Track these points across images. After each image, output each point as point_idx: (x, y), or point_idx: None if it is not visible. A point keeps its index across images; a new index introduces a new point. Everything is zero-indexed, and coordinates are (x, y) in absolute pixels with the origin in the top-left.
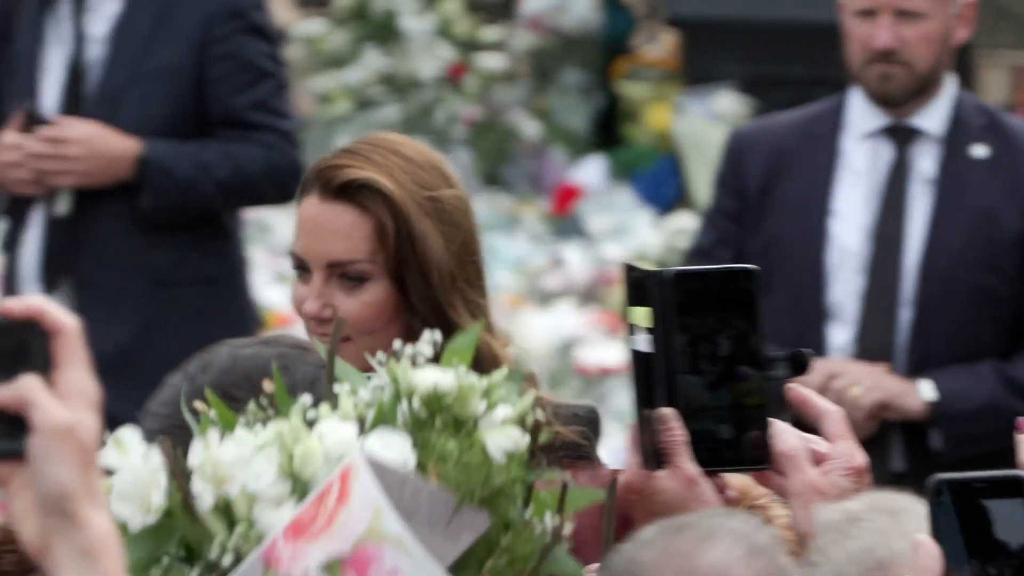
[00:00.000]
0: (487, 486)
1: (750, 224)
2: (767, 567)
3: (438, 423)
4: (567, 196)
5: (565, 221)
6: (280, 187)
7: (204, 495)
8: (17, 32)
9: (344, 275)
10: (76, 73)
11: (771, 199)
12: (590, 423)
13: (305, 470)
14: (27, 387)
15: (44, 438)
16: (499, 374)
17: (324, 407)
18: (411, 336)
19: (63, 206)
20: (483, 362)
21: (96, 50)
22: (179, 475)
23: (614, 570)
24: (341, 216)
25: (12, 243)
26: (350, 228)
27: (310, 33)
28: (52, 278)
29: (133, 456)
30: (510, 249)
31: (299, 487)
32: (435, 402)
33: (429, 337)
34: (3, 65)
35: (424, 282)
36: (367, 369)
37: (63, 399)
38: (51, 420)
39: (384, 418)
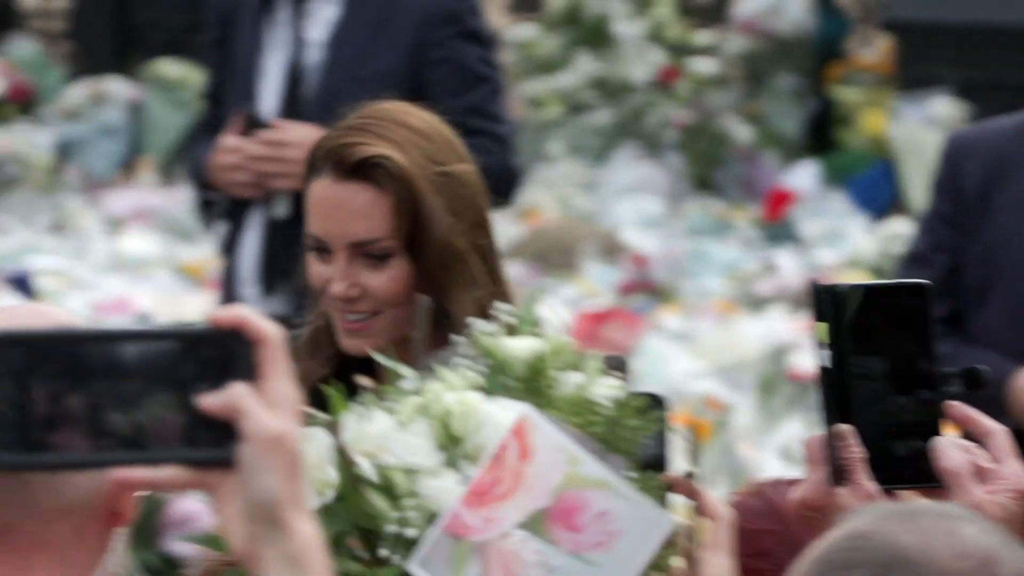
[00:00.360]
0: (613, 432)
1: (968, 229)
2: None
3: (545, 385)
4: (779, 201)
5: (777, 226)
6: (496, 191)
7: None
8: (236, 37)
9: (368, 253)
10: (295, 77)
11: (990, 204)
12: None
13: (469, 431)
14: (237, 395)
15: (255, 446)
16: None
17: (438, 381)
18: (432, 312)
19: (281, 209)
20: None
21: (314, 55)
22: (347, 455)
23: (878, 561)
24: (359, 195)
25: (231, 246)
26: (370, 207)
27: (522, 38)
28: (269, 280)
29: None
30: (722, 254)
31: (452, 456)
32: (539, 366)
33: (506, 309)
34: (223, 70)
35: (434, 258)
36: (394, 340)
37: (270, 408)
38: (262, 429)
39: (492, 388)
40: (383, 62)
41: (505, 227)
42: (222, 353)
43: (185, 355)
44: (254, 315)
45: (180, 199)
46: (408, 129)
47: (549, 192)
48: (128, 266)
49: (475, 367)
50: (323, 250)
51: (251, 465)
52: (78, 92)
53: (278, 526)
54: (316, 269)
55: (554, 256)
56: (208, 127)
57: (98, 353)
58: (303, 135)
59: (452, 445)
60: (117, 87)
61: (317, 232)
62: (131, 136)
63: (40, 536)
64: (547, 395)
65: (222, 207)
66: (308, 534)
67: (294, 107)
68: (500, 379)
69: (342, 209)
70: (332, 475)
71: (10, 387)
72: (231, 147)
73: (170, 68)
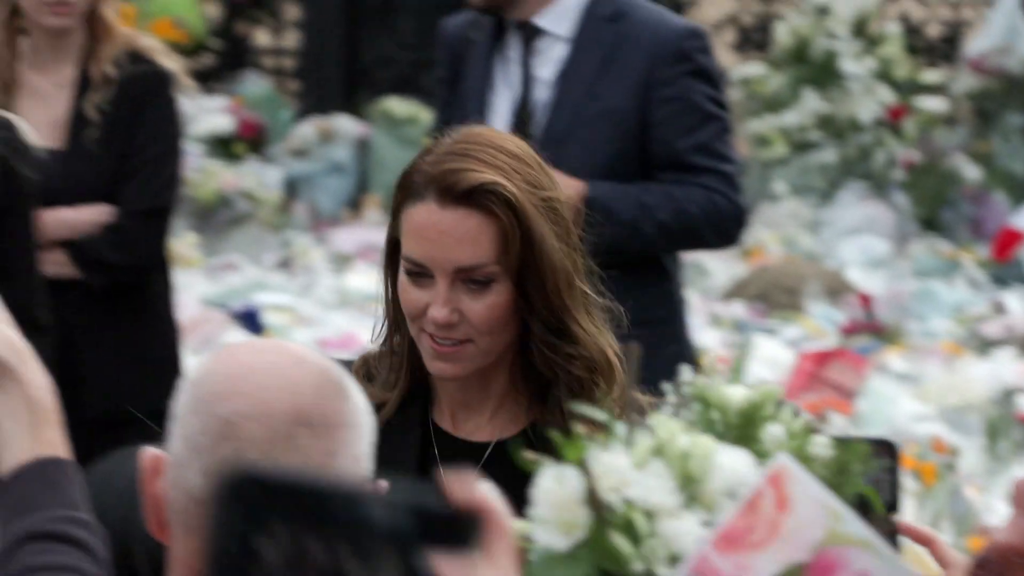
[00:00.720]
0: (838, 477)
1: None
2: None
3: (756, 432)
4: (1009, 241)
5: (1006, 267)
6: (722, 230)
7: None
8: (466, 75)
9: (470, 279)
10: (523, 115)
11: None
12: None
13: (704, 474)
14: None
15: None
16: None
17: (663, 424)
18: (526, 336)
19: None
20: (600, 367)
21: (543, 93)
22: (597, 495)
23: None
24: (466, 221)
25: None
26: (476, 233)
27: (749, 76)
28: None
29: (545, 481)
30: (949, 295)
31: (692, 495)
32: (752, 414)
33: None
34: (451, 108)
35: (543, 284)
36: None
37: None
38: None
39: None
40: (610, 100)
41: (729, 266)
42: (456, 527)
43: (422, 526)
44: (489, 495)
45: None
46: (507, 154)
47: (774, 231)
48: (353, 303)
49: (683, 412)
50: (421, 275)
51: None
52: (307, 130)
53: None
54: (411, 294)
55: (778, 296)
56: None
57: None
58: None
59: (689, 487)
60: (345, 125)
61: (419, 257)
62: (358, 173)
63: None
64: (759, 442)
65: None
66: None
67: None
68: (712, 425)
69: (449, 235)
70: (583, 516)
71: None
72: None
73: (398, 106)
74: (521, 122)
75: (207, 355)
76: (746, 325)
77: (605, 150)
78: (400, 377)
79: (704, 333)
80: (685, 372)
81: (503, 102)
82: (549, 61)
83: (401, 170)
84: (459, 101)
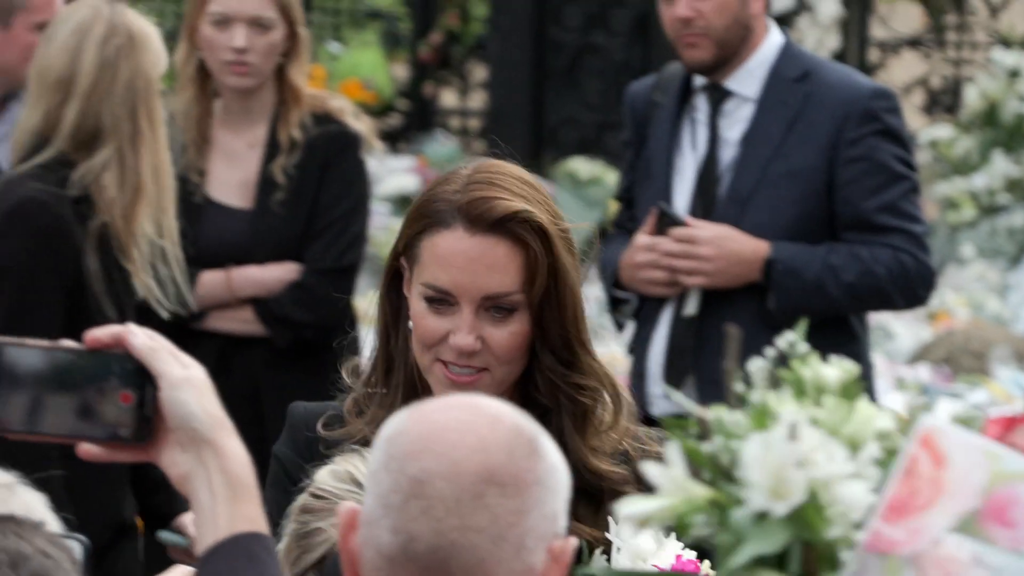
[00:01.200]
0: None
1: None
2: None
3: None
4: None
5: None
6: (909, 291)
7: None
8: (651, 137)
9: (496, 307)
10: (709, 175)
11: None
12: None
13: (864, 441)
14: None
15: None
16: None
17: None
18: (538, 367)
19: (692, 307)
20: (609, 396)
21: (729, 152)
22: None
23: None
24: (495, 249)
25: (640, 344)
26: (506, 261)
27: (937, 138)
28: (675, 376)
29: (753, 447)
30: None
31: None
32: (847, 392)
33: (793, 337)
34: (637, 170)
35: (562, 314)
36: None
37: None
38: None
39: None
40: (797, 160)
41: (915, 329)
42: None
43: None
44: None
45: (587, 296)
46: (529, 185)
47: (960, 295)
48: None
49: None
50: (443, 302)
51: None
52: None
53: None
54: (429, 322)
55: (964, 360)
56: (621, 227)
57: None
58: (715, 233)
59: (854, 453)
60: None
61: (444, 284)
62: None
63: None
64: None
65: (633, 306)
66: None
67: (707, 205)
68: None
69: (478, 263)
70: (798, 481)
71: None
72: (644, 245)
73: (582, 166)
74: (706, 183)
75: (402, 413)
76: (932, 389)
77: (790, 210)
78: (392, 412)
79: (889, 396)
80: (770, 351)
81: (688, 163)
82: (736, 122)
83: (584, 230)
84: (644, 162)
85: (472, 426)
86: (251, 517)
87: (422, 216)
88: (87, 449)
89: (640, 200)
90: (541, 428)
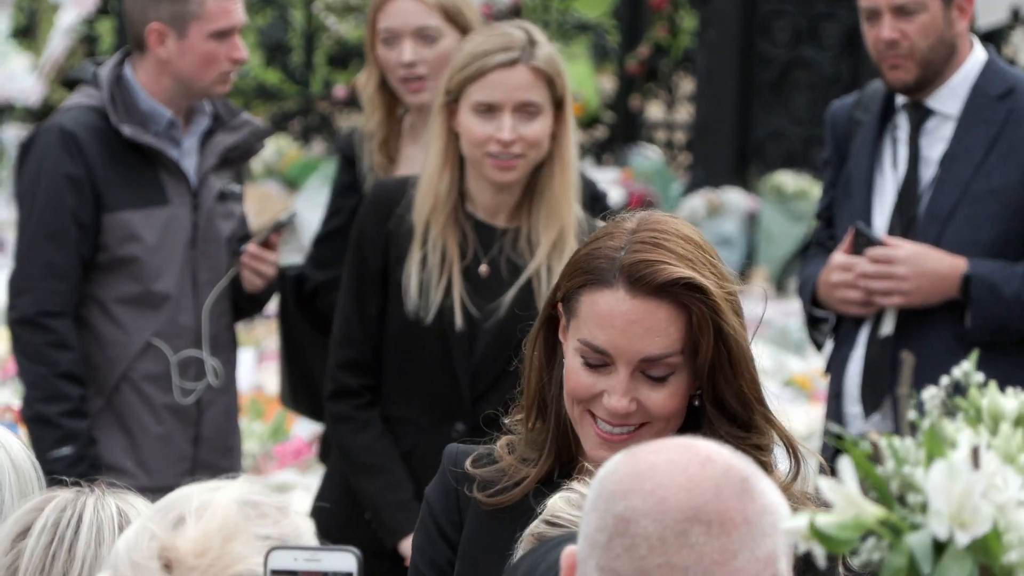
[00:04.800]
0: None
1: None
2: None
3: None
4: None
5: None
6: None
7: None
8: (852, 155)
9: (652, 370)
10: (909, 194)
11: None
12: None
13: None
14: None
15: None
16: None
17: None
18: (711, 431)
19: (888, 326)
20: (785, 446)
21: (929, 171)
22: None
23: None
24: (657, 313)
25: (837, 363)
26: (667, 325)
27: None
28: (872, 396)
29: (938, 474)
30: None
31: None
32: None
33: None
34: (836, 188)
35: (736, 377)
36: None
37: None
38: None
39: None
40: (998, 178)
41: None
42: None
43: None
44: None
45: (792, 311)
46: (695, 246)
47: None
48: None
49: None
50: (600, 362)
51: None
52: (696, 202)
53: None
54: (583, 378)
55: None
56: (821, 245)
57: None
58: (913, 253)
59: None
60: (735, 198)
61: (602, 344)
62: (746, 247)
63: None
64: None
65: (830, 325)
66: None
67: (906, 224)
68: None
69: (639, 325)
70: (983, 511)
71: None
72: (841, 264)
73: (788, 180)
74: (906, 201)
75: (617, 455)
76: None
77: (990, 228)
78: (543, 456)
79: None
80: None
81: (888, 182)
82: (937, 140)
83: (788, 244)
84: (844, 181)
85: (682, 466)
86: None
87: (583, 271)
88: None
89: (839, 218)
90: (760, 471)
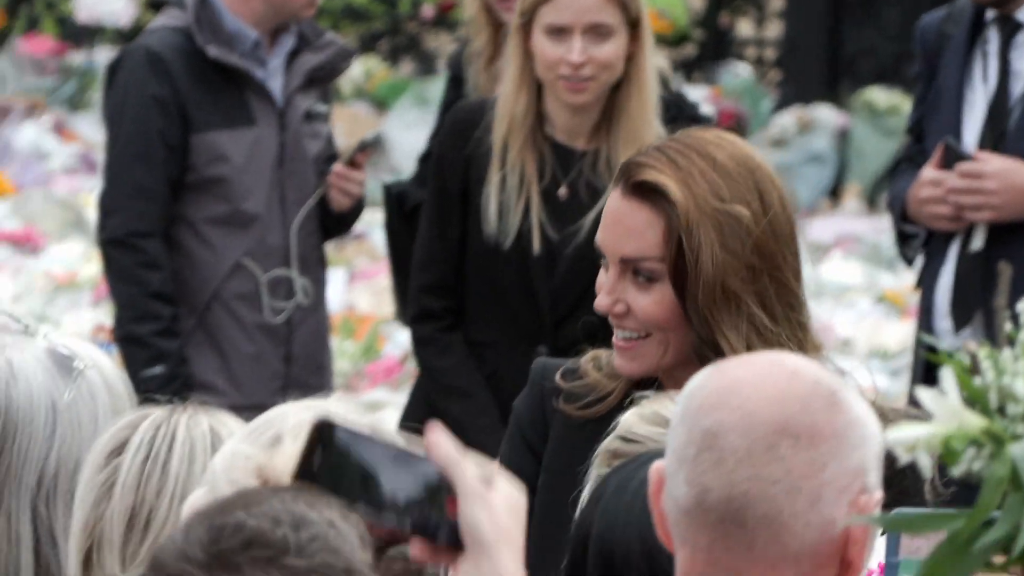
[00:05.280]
0: None
1: None
2: None
3: None
4: None
5: None
6: None
7: None
8: (942, 70)
9: (636, 271)
10: (999, 108)
11: None
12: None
13: None
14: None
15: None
16: None
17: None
18: (697, 345)
19: (978, 241)
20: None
21: (1019, 85)
22: None
23: None
24: (636, 214)
25: (928, 278)
26: (644, 227)
27: None
28: (962, 311)
29: None
30: None
31: None
32: None
33: None
34: (927, 103)
35: (703, 292)
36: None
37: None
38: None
39: None
40: None
41: None
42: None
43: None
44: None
45: (884, 227)
46: (708, 161)
47: None
48: (830, 293)
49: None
50: (605, 263)
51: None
52: (787, 120)
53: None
54: (600, 280)
55: None
56: (911, 160)
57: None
58: (1002, 167)
59: None
60: (826, 115)
61: (599, 241)
62: (837, 164)
63: None
64: None
65: (920, 240)
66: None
67: (995, 139)
68: None
69: (621, 223)
70: None
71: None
72: (931, 180)
73: (880, 96)
74: (996, 116)
75: (704, 369)
76: None
77: None
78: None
79: None
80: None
81: (979, 96)
82: None
83: (879, 160)
84: (934, 95)
85: (770, 379)
86: None
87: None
88: (420, 550)
89: (929, 133)
90: (847, 384)
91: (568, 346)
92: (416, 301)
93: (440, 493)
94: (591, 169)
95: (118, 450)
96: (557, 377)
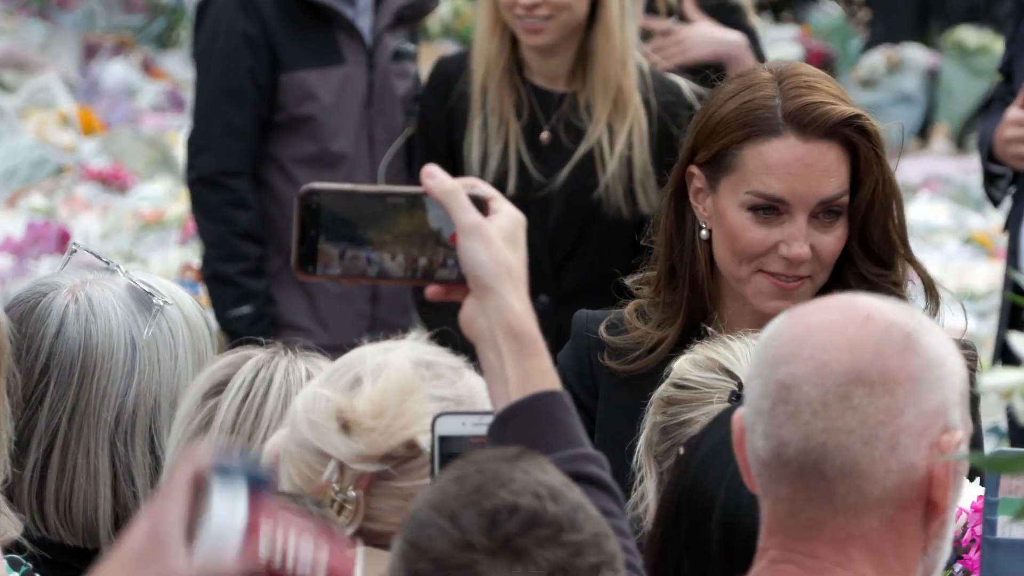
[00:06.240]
0: None
1: None
2: None
3: None
4: None
5: None
6: None
7: None
8: None
9: (828, 211)
10: None
11: None
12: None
13: None
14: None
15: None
16: None
17: None
18: (852, 272)
19: None
20: (928, 292)
21: None
22: None
23: None
24: (828, 153)
25: (1014, 219)
26: (839, 164)
27: None
28: None
29: None
30: None
31: None
32: None
33: None
34: (1017, 43)
35: (887, 216)
36: None
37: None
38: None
39: None
40: None
41: None
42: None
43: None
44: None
45: (972, 168)
46: (839, 88)
47: None
48: (917, 234)
49: None
50: (772, 210)
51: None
52: (876, 59)
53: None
54: (755, 233)
55: None
56: (1002, 100)
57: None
58: None
59: None
60: (915, 55)
61: (780, 192)
62: (926, 104)
63: (849, 530)
64: None
65: (1007, 180)
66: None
67: None
68: None
69: (813, 168)
70: None
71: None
72: (1016, 119)
73: (970, 36)
74: None
75: (780, 316)
76: None
77: None
78: (678, 319)
79: None
80: None
81: None
82: None
83: (969, 100)
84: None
85: (842, 327)
86: (541, 371)
87: (741, 125)
88: (435, 291)
89: (1018, 73)
90: (925, 323)
91: (568, 295)
92: None
93: (441, 231)
94: (572, 111)
95: (217, 388)
96: (601, 330)
